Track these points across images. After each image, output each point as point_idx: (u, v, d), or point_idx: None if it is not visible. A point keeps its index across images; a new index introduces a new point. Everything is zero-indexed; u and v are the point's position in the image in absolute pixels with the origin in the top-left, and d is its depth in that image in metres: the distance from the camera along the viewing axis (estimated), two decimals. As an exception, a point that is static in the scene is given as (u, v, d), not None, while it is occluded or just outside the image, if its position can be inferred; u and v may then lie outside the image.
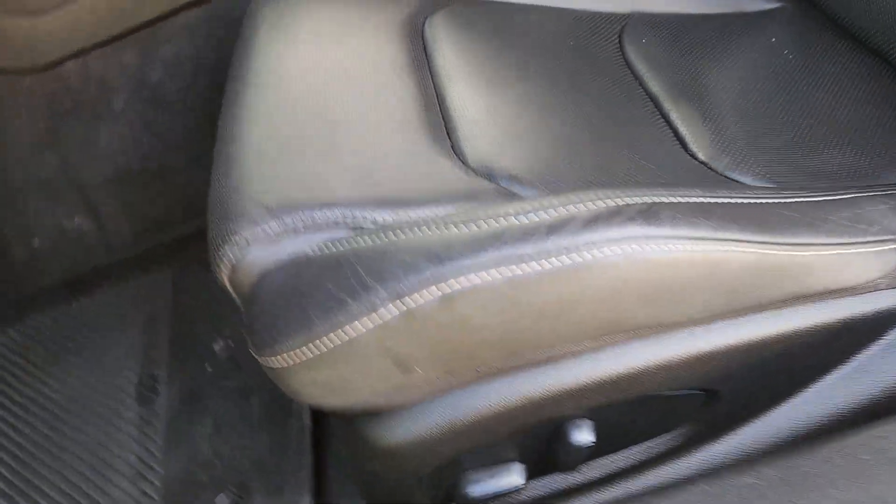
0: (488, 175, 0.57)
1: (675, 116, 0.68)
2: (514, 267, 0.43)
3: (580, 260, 0.43)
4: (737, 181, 0.61)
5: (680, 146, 0.65)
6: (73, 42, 0.84)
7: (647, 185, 0.55)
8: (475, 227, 0.45)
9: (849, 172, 0.62)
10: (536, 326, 0.45)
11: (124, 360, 0.83)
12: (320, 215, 0.52)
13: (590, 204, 0.45)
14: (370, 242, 0.48)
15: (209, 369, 0.79)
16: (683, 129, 0.67)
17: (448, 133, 0.62)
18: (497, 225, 0.45)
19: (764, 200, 0.50)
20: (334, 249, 0.49)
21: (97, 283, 0.91)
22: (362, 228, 0.51)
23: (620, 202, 0.45)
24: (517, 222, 0.44)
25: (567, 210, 0.45)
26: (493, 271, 0.43)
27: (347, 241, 0.49)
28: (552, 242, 0.43)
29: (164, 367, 0.80)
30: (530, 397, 0.49)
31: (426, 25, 0.75)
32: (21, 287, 0.94)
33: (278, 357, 0.48)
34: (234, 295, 0.53)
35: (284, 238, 0.51)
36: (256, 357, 0.51)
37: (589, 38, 0.78)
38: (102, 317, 0.87)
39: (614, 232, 0.43)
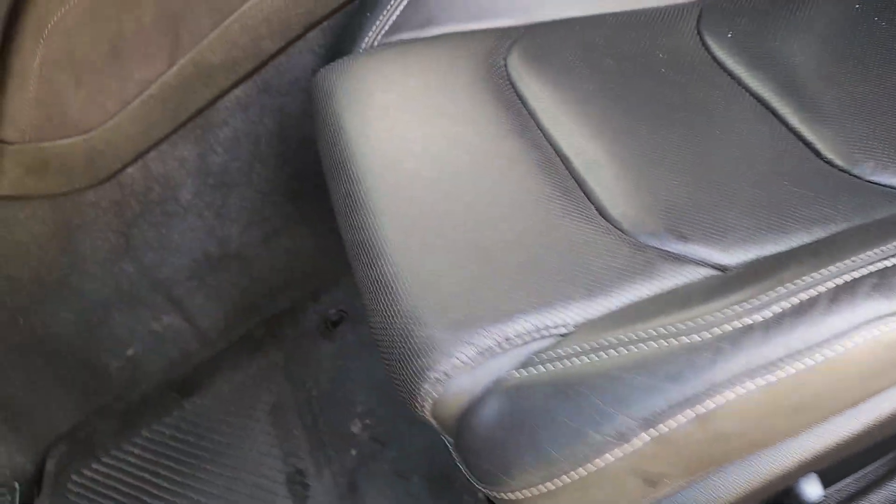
0: (651, 238, 0.55)
1: (793, 120, 0.66)
2: (766, 375, 0.42)
3: (832, 354, 0.42)
4: (891, 187, 0.59)
5: (813, 154, 0.63)
6: (130, 148, 0.80)
7: (843, 239, 0.53)
8: (708, 335, 0.43)
9: None
10: (790, 421, 0.44)
11: (262, 457, 0.81)
12: (511, 329, 0.50)
13: (820, 287, 0.43)
14: (588, 361, 0.46)
15: (354, 453, 0.78)
16: (807, 134, 0.65)
17: (587, 195, 0.60)
18: (731, 329, 0.43)
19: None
20: (545, 370, 0.47)
21: (205, 379, 0.89)
22: (559, 336, 0.50)
23: (848, 277, 0.44)
24: (752, 322, 0.43)
25: (799, 299, 0.43)
26: (746, 383, 0.42)
27: (559, 360, 0.47)
28: (797, 340, 0.42)
29: (306, 458, 0.79)
30: (770, 475, 0.49)
31: (509, 68, 0.72)
32: (125, 399, 0.92)
33: (514, 492, 0.47)
34: (438, 428, 0.52)
35: (483, 362, 0.49)
36: (480, 488, 0.50)
37: (674, 44, 0.75)
38: (223, 414, 0.86)
39: (857, 315, 0.42)
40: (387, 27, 0.77)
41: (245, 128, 0.86)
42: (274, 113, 0.86)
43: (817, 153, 0.63)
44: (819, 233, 0.56)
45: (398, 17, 0.76)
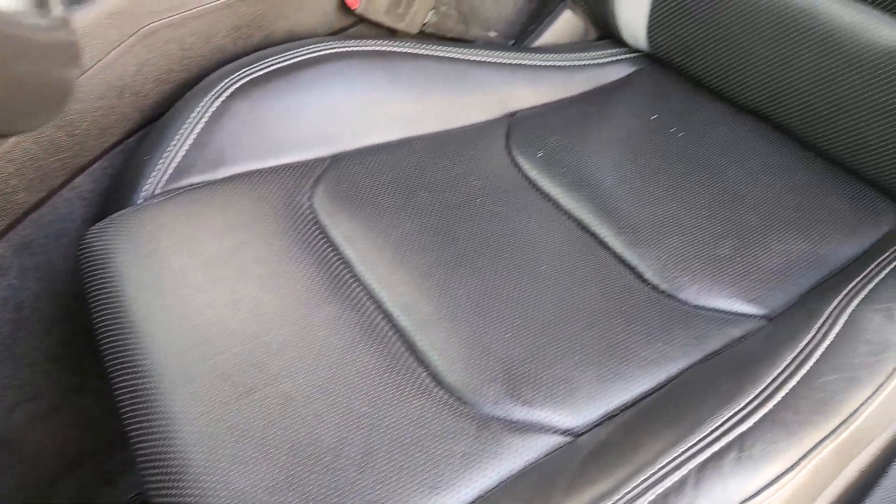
0: (494, 407, 0.52)
1: (615, 244, 0.66)
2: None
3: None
4: (719, 311, 0.60)
5: (638, 280, 0.63)
6: None
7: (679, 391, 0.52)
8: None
9: (801, 261, 0.64)
10: None
11: None
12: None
13: (683, 470, 0.41)
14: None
15: None
16: (630, 258, 0.65)
17: (418, 360, 0.55)
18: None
19: (797, 376, 0.49)
20: None
21: None
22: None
23: (709, 453, 0.42)
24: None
25: (664, 487, 0.41)
26: None
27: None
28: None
29: None
30: None
31: (316, 210, 0.66)
32: None
33: None
34: None
35: None
36: None
37: (486, 168, 0.74)
38: None
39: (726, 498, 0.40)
40: (170, 171, 0.69)
41: (2, 294, 0.73)
42: (37, 272, 0.74)
43: (641, 278, 0.63)
44: (660, 374, 0.56)
45: (183, 158, 0.69)
